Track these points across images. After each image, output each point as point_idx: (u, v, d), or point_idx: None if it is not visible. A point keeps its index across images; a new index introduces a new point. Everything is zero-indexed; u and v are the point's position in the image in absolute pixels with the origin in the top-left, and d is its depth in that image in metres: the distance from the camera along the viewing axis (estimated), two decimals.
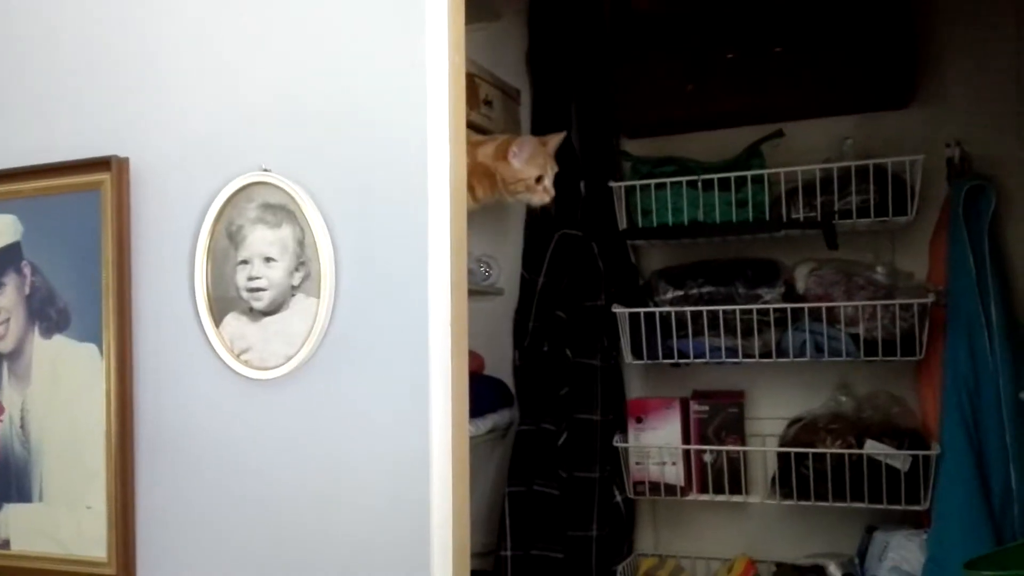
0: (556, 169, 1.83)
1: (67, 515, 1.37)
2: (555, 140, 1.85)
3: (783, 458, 1.94)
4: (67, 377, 1.38)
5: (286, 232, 1.24)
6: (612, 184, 2.09)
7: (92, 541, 1.34)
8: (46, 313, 1.40)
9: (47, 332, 1.40)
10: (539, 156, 1.80)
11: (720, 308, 1.96)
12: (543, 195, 1.81)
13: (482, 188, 1.81)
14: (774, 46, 1.95)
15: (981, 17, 1.94)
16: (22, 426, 1.41)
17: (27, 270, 1.41)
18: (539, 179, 1.79)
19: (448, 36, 1.22)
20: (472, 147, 1.78)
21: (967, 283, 1.81)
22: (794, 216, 1.95)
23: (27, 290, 1.41)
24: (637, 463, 2.08)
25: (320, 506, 1.23)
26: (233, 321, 1.27)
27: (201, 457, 1.30)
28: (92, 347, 1.35)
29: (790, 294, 1.97)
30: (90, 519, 1.35)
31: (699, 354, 2.01)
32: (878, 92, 1.93)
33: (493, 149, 1.81)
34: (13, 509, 1.42)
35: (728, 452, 2.02)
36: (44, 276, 1.40)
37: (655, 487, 2.06)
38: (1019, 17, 1.90)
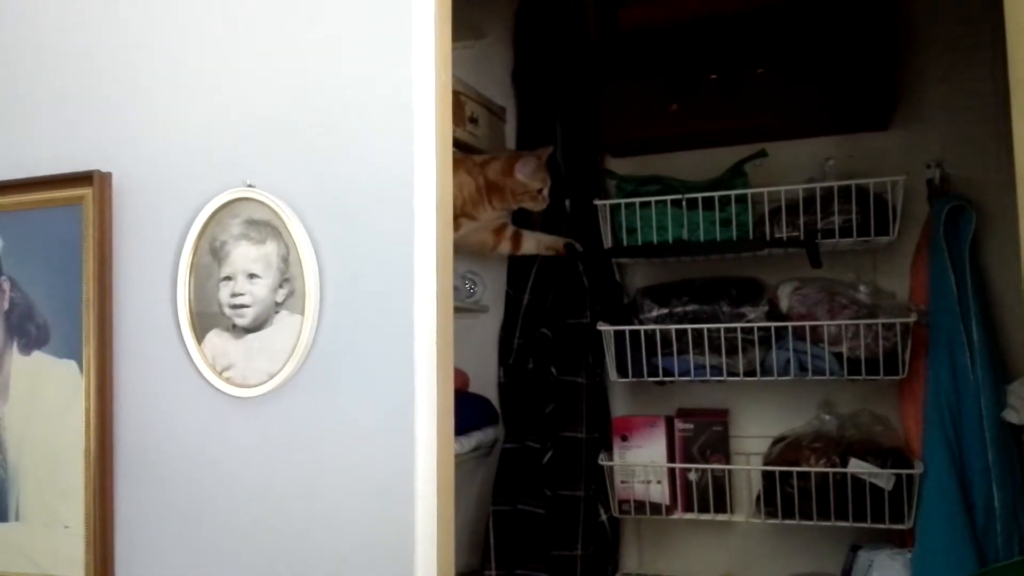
0: (549, 182, 2.03)
1: (44, 535, 1.35)
2: (546, 152, 2.04)
3: (767, 476, 1.94)
4: (46, 394, 1.36)
5: (270, 248, 1.23)
6: (597, 202, 2.09)
7: (69, 561, 1.32)
8: (25, 329, 1.38)
9: (26, 348, 1.38)
10: (539, 171, 2.01)
11: (704, 326, 1.96)
12: (542, 203, 2.03)
13: (497, 201, 2.01)
14: (757, 67, 1.97)
15: (960, 40, 1.97)
16: None
17: (6, 285, 1.40)
18: (540, 190, 1.99)
19: (435, 54, 1.22)
20: (481, 167, 1.99)
21: (948, 302, 1.83)
22: (777, 235, 1.96)
23: (6, 305, 1.40)
24: (622, 481, 2.07)
25: (303, 524, 1.21)
26: (215, 338, 1.26)
27: (182, 476, 1.29)
28: (72, 363, 1.34)
29: (774, 313, 1.98)
30: (67, 539, 1.32)
31: (683, 372, 2.01)
32: (859, 113, 1.95)
33: (500, 166, 1.99)
34: None
35: (713, 470, 2.02)
36: (23, 291, 1.38)
37: (640, 506, 2.05)
38: (996, 39, 1.93)
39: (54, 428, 1.35)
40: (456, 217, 1.98)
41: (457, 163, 1.94)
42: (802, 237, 1.94)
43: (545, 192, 2.01)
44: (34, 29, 1.43)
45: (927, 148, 1.97)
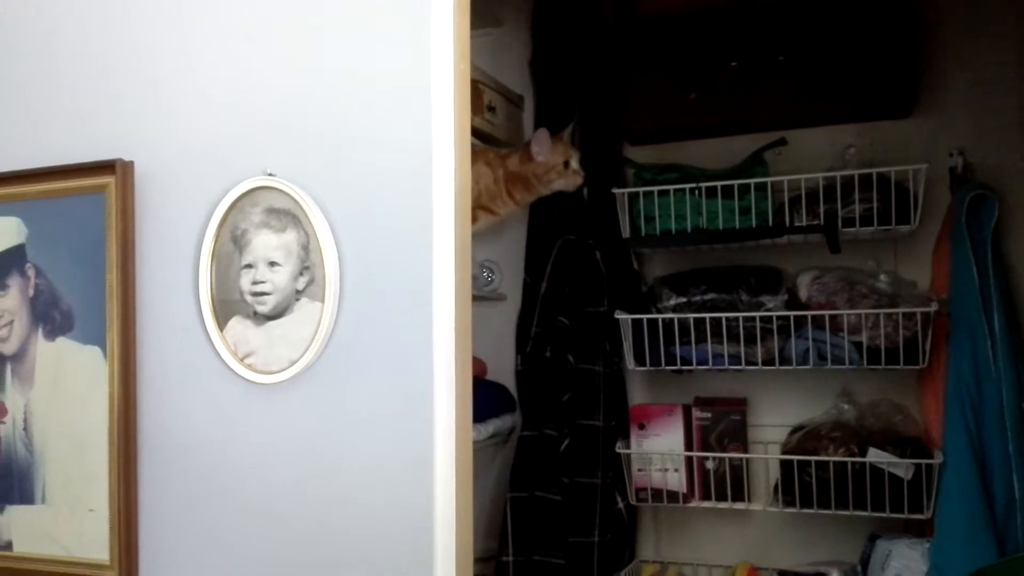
0: (579, 153, 1.99)
1: (70, 517, 1.37)
2: (565, 132, 2.01)
3: (786, 466, 1.93)
4: (70, 379, 1.38)
5: (291, 237, 1.24)
6: (615, 191, 2.09)
7: (94, 544, 1.34)
8: (50, 315, 1.40)
9: (51, 334, 1.40)
10: (557, 144, 1.97)
11: (723, 315, 1.96)
12: (575, 177, 1.98)
13: (519, 193, 1.99)
14: (777, 55, 1.95)
15: (983, 27, 1.94)
16: (25, 428, 1.41)
17: (31, 272, 1.42)
18: (566, 164, 1.97)
19: (454, 42, 1.22)
20: (501, 160, 1.99)
21: (970, 292, 1.81)
22: (797, 224, 1.95)
23: (31, 292, 1.42)
24: (639, 469, 2.07)
25: (323, 510, 1.23)
26: (237, 325, 1.27)
27: (204, 460, 1.30)
28: (96, 350, 1.36)
29: (793, 302, 1.97)
30: (93, 522, 1.35)
31: (701, 361, 2.01)
32: (880, 101, 1.93)
33: (518, 156, 1.98)
34: (16, 511, 1.42)
35: (730, 459, 2.02)
36: (48, 278, 1.40)
37: (657, 494, 2.06)
38: (1020, 27, 1.91)
39: (78, 413, 1.37)
40: (472, 209, 1.98)
41: (476, 154, 1.96)
42: (822, 223, 1.92)
43: (574, 164, 1.97)
44: (59, 21, 1.45)
45: (949, 136, 1.96)
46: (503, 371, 2.22)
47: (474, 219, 1.96)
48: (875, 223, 1.89)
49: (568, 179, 1.98)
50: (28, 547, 1.41)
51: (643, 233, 2.08)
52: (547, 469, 2.03)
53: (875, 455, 1.84)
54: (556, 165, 1.96)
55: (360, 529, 1.21)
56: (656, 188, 2.04)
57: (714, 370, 2.04)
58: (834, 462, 1.87)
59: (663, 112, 2.07)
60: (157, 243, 1.35)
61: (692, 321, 1.99)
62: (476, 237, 2.05)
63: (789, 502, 1.94)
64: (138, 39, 1.39)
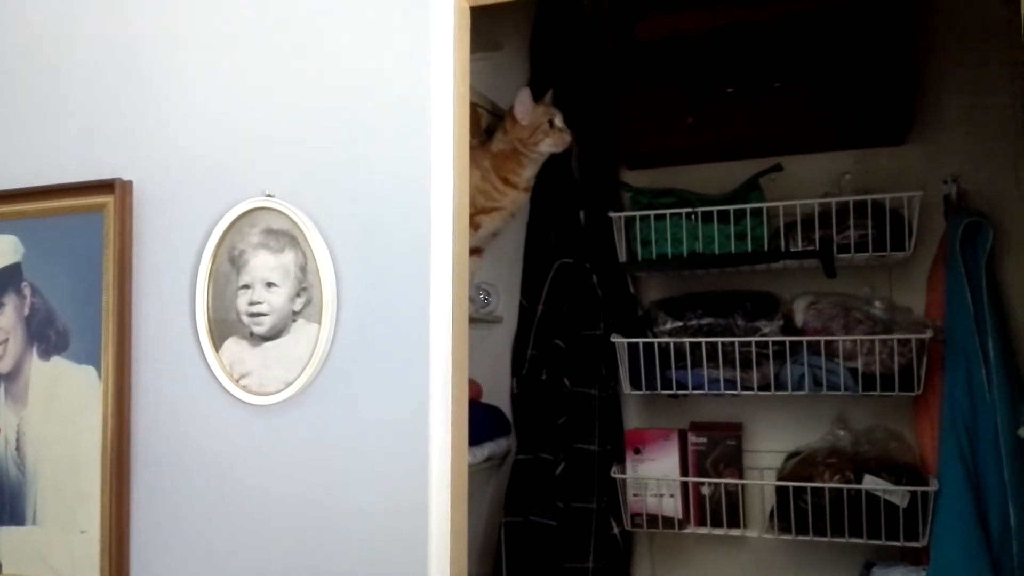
0: (560, 113, 1.97)
1: (61, 539, 1.36)
2: (547, 96, 2.00)
3: (781, 492, 1.93)
4: (65, 399, 1.37)
5: (288, 258, 1.24)
6: (612, 214, 2.09)
7: (85, 566, 1.33)
8: (45, 334, 1.40)
9: (45, 354, 1.40)
10: (540, 105, 1.96)
11: (719, 340, 1.96)
12: (562, 135, 1.95)
13: (511, 173, 1.96)
14: (773, 81, 1.97)
15: (978, 55, 1.96)
16: (17, 448, 1.40)
17: (27, 291, 1.42)
18: (551, 123, 1.94)
19: (453, 66, 1.23)
20: (484, 150, 1.96)
21: (965, 318, 1.82)
22: (793, 249, 1.96)
23: (27, 311, 1.41)
24: (635, 495, 2.06)
25: (317, 532, 1.22)
26: (233, 345, 1.27)
27: (198, 482, 1.29)
28: (91, 369, 1.35)
29: (789, 327, 1.97)
30: (84, 543, 1.34)
31: (697, 386, 2.00)
32: (875, 128, 1.95)
33: (501, 131, 1.96)
34: (6, 532, 1.41)
35: (726, 485, 2.01)
36: (44, 297, 1.40)
37: (653, 519, 2.04)
38: (1015, 55, 1.93)
39: (72, 433, 1.36)
40: (472, 216, 1.97)
41: None
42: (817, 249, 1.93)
43: (558, 122, 1.95)
44: (60, 41, 1.46)
45: (944, 163, 1.97)
46: (499, 394, 2.21)
47: (477, 227, 1.97)
48: (870, 250, 1.89)
49: (554, 137, 1.95)
50: (18, 569, 1.39)
51: (639, 257, 2.08)
52: (542, 493, 2.02)
53: (871, 482, 1.84)
54: (541, 124, 1.93)
55: (355, 550, 1.20)
56: (652, 212, 2.05)
57: (710, 395, 2.03)
58: (829, 489, 1.86)
59: (660, 136, 2.08)
60: (154, 263, 1.35)
61: (688, 345, 1.99)
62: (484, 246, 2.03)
63: (784, 529, 1.93)
64: (139, 60, 1.39)
